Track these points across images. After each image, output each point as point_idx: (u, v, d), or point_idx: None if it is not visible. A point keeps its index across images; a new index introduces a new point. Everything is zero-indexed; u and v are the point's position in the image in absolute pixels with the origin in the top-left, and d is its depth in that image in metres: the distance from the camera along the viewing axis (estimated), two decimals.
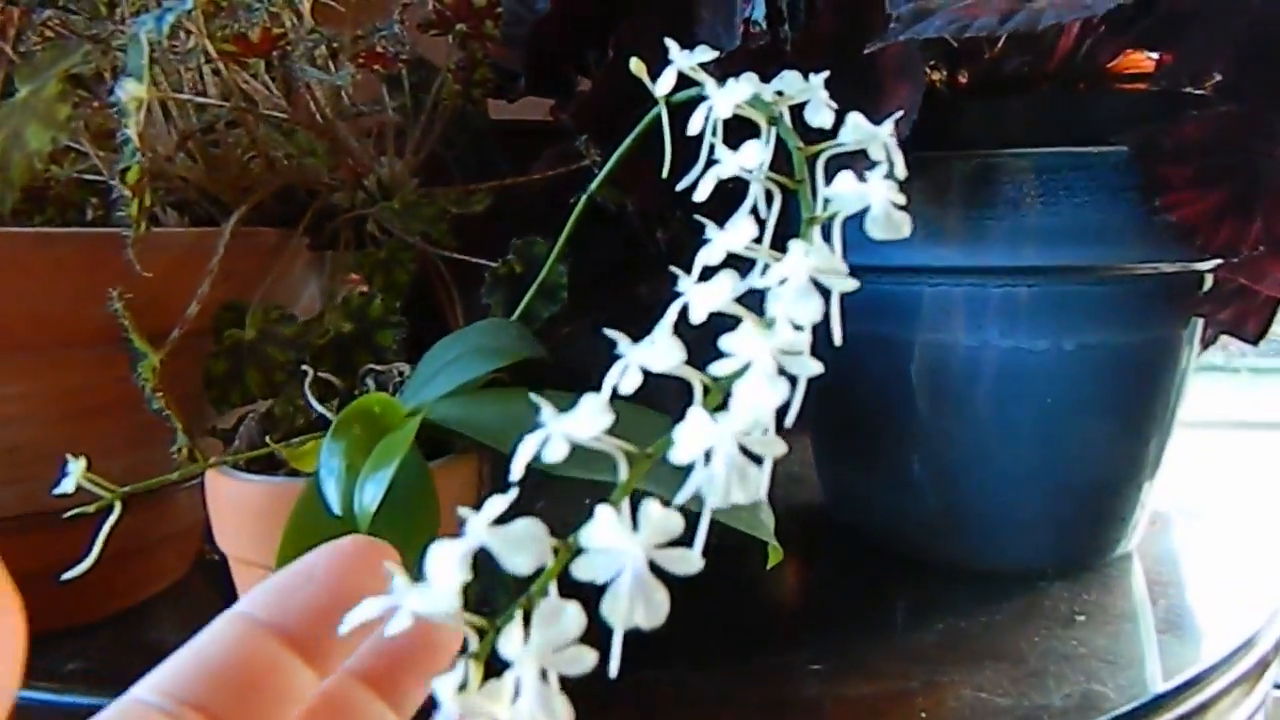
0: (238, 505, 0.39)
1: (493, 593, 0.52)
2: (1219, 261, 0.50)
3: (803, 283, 0.25)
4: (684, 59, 0.33)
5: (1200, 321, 0.56)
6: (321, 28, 0.51)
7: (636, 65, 0.34)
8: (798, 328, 0.25)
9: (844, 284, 0.26)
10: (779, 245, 0.33)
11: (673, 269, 0.29)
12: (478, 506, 0.22)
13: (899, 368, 0.57)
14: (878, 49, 0.47)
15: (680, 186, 0.34)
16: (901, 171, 0.31)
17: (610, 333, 0.27)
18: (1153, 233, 0.50)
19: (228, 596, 0.42)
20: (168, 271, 0.46)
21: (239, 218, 0.47)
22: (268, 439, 0.39)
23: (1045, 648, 0.48)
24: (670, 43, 0.33)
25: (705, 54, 0.33)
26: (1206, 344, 0.59)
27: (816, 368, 0.24)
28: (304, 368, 0.42)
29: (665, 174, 0.35)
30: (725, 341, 0.25)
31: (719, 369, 0.25)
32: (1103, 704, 0.42)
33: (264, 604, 0.22)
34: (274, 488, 0.38)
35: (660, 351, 0.26)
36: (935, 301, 0.55)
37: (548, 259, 0.48)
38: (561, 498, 0.36)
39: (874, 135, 0.30)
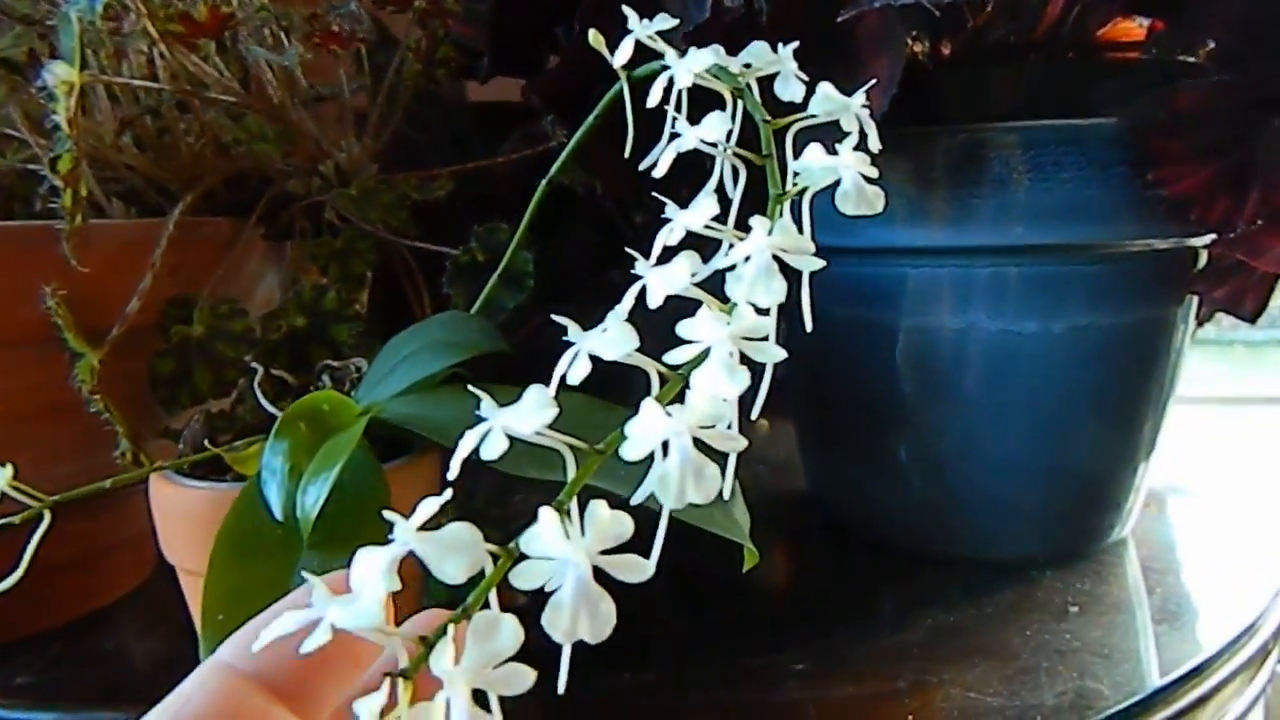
0: (181, 512, 0.37)
1: (464, 597, 0.50)
2: (1214, 237, 0.48)
3: (765, 262, 0.23)
4: (643, 28, 0.30)
5: (1195, 299, 0.54)
6: (272, 5, 0.49)
7: (595, 38, 0.32)
8: (761, 311, 0.23)
9: (811, 263, 0.23)
10: (747, 226, 0.30)
11: (629, 251, 0.27)
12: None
13: (883, 353, 0.55)
14: (853, 16, 0.45)
15: (644, 165, 0.32)
16: (875, 144, 0.29)
17: (559, 319, 0.25)
18: (1146, 209, 0.48)
19: (187, 604, 0.40)
20: (109, 265, 0.44)
21: (184, 207, 0.44)
22: (206, 443, 0.36)
23: (1037, 642, 0.46)
24: (628, 10, 0.31)
25: (665, 21, 0.30)
26: (1201, 321, 0.57)
27: (780, 354, 0.22)
28: (253, 365, 0.39)
29: (629, 153, 0.33)
30: (683, 327, 0.23)
31: (676, 357, 0.23)
32: (1097, 701, 0.40)
33: (245, 653, 0.21)
34: (219, 494, 0.36)
35: (612, 339, 0.24)
36: (919, 284, 0.53)
37: (509, 243, 0.45)
38: (541, 489, 0.34)
39: (845, 106, 0.28)
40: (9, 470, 0.33)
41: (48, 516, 0.33)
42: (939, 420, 0.54)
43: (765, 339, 0.22)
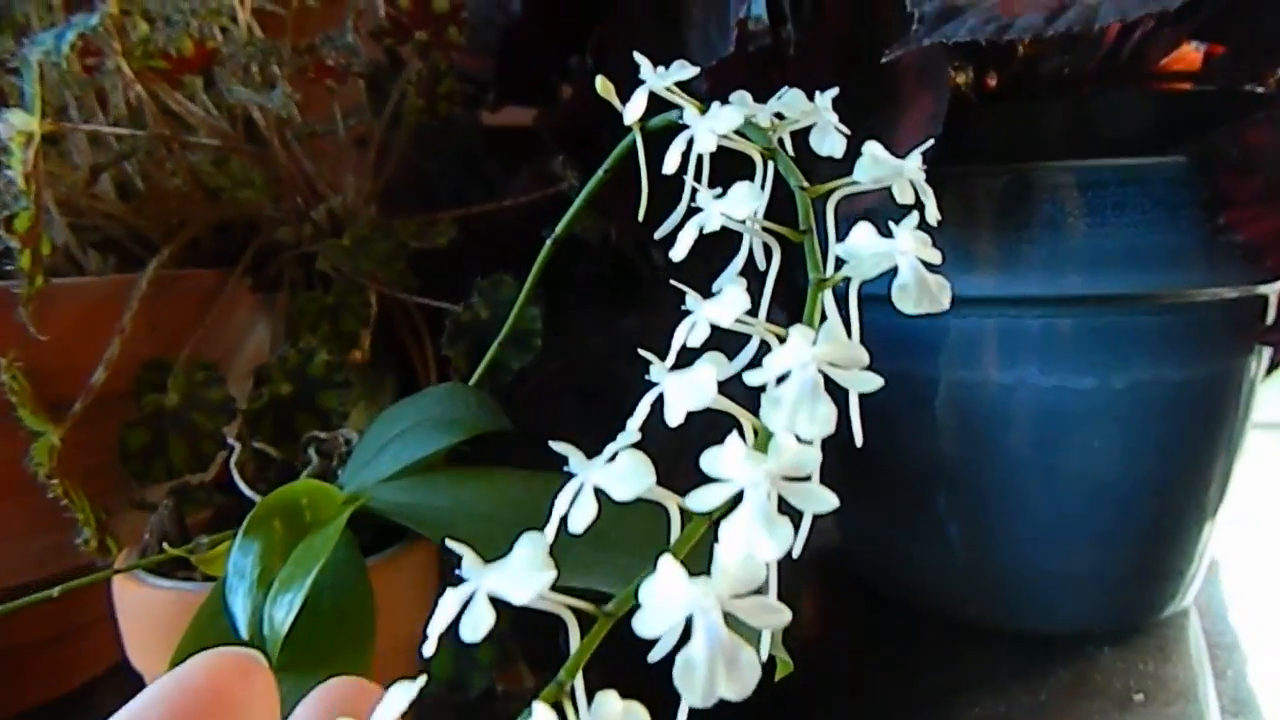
0: (146, 614, 0.33)
1: (468, 675, 0.46)
2: None
3: (809, 384, 0.18)
4: (658, 78, 0.26)
5: (1266, 349, 0.50)
6: (260, 40, 0.45)
7: (603, 86, 0.28)
8: (803, 441, 0.19)
9: (866, 382, 0.19)
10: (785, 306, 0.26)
11: (642, 353, 0.22)
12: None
13: (923, 408, 0.50)
14: (895, 54, 0.40)
15: (659, 234, 0.28)
16: (933, 215, 0.24)
17: (559, 447, 0.21)
18: (1216, 254, 0.44)
19: None
20: (77, 327, 0.40)
21: (162, 260, 0.40)
22: (166, 540, 0.32)
23: None
24: (641, 59, 0.27)
25: (683, 71, 0.26)
26: (1270, 370, 0.53)
27: (832, 502, 0.18)
28: (231, 442, 0.36)
29: (643, 213, 0.29)
30: (708, 462, 0.19)
31: (700, 502, 0.19)
32: None
33: None
34: (186, 596, 0.32)
35: (622, 473, 0.19)
36: (963, 335, 0.49)
37: (515, 299, 0.41)
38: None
39: (897, 170, 0.23)
40: None
41: None
42: (985, 482, 0.50)
43: (809, 478, 0.18)
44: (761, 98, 0.49)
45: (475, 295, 0.42)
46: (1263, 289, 0.47)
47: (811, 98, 0.45)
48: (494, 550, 0.33)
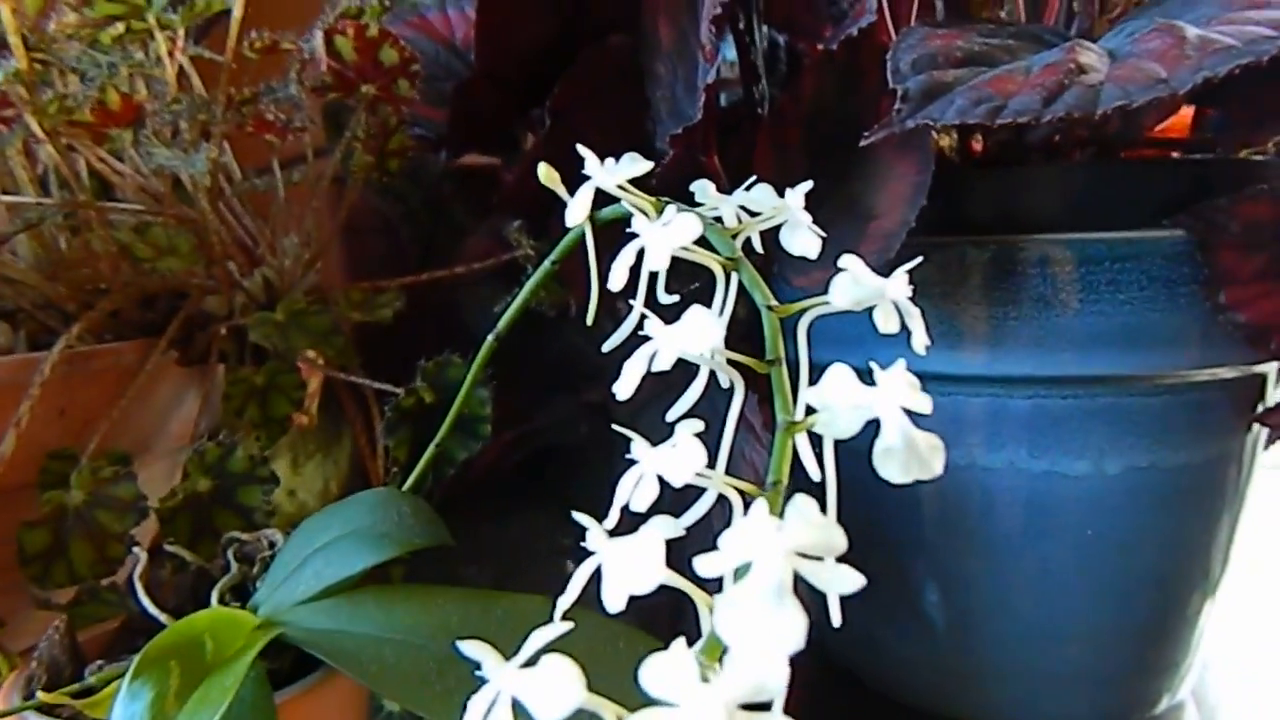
0: None
1: None
2: None
3: (773, 585, 0.15)
4: (605, 175, 0.23)
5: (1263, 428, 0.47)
6: (190, 95, 0.41)
7: (545, 173, 0.24)
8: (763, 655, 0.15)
9: (845, 581, 0.16)
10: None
11: (577, 516, 0.19)
12: None
13: (904, 491, 0.47)
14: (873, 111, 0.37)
15: (606, 346, 0.24)
16: (922, 344, 0.21)
17: (470, 649, 0.17)
18: (1215, 333, 0.41)
19: None
20: None
21: (70, 339, 0.37)
22: (35, 693, 0.28)
23: None
24: (586, 152, 0.23)
25: (634, 166, 0.23)
26: (1269, 444, 0.50)
27: None
28: (135, 551, 0.32)
29: (591, 319, 0.25)
30: (651, 678, 0.15)
31: None
32: None
33: None
34: None
35: (548, 683, 0.16)
36: (948, 414, 0.45)
37: (464, 382, 0.38)
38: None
39: (878, 292, 0.20)
40: None
41: None
42: (972, 573, 0.47)
43: (769, 706, 0.15)
44: (729, 157, 0.46)
45: (419, 378, 0.38)
46: (1260, 368, 0.44)
47: (784, 161, 0.42)
48: (425, 688, 0.29)
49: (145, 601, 0.32)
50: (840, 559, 0.18)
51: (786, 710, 0.15)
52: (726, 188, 0.45)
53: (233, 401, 0.39)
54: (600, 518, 0.19)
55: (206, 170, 0.35)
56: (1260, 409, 0.46)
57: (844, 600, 0.52)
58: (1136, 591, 0.46)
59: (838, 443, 0.20)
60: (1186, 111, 0.50)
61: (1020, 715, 0.48)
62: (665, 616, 0.39)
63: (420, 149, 0.52)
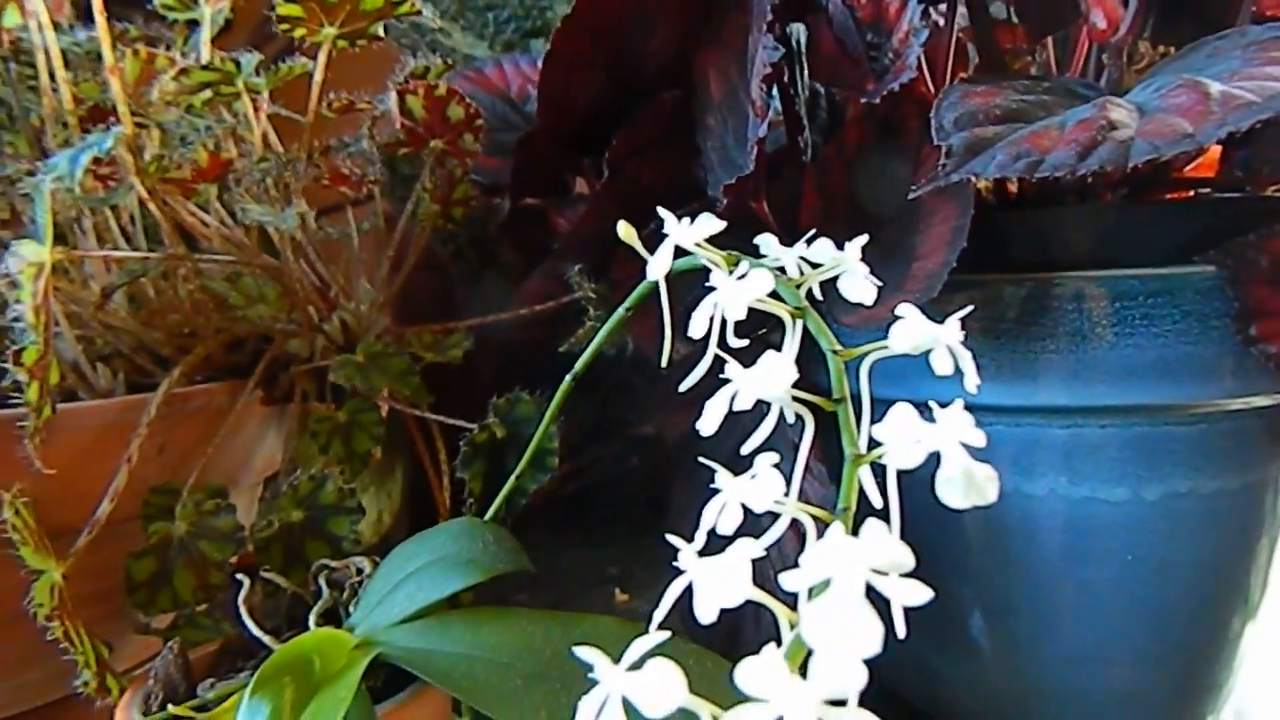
0: None
1: None
2: None
3: (851, 598, 0.17)
4: (683, 232, 0.26)
5: None
6: (276, 154, 0.45)
7: (625, 231, 0.27)
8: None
9: (911, 593, 0.18)
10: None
11: (669, 537, 0.21)
12: None
13: (948, 518, 0.48)
14: (915, 156, 0.40)
15: (683, 387, 0.27)
16: (974, 384, 0.23)
17: (583, 653, 0.20)
18: (1249, 364, 0.42)
19: None
20: (86, 452, 0.39)
21: (174, 381, 0.40)
22: (180, 693, 0.31)
23: None
24: (665, 214, 0.26)
25: (710, 225, 0.25)
26: None
27: None
28: (239, 577, 0.35)
29: (665, 362, 0.28)
30: (745, 678, 0.18)
31: None
32: None
33: None
34: None
35: (653, 684, 0.18)
36: (988, 444, 0.47)
37: (532, 418, 0.40)
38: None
39: (934, 339, 0.22)
40: None
41: None
42: (1016, 596, 0.48)
43: (845, 703, 0.17)
44: (774, 201, 0.48)
45: (491, 415, 0.41)
46: None
47: (830, 206, 0.44)
48: (513, 703, 0.32)
49: (250, 624, 0.34)
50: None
51: None
52: (775, 230, 0.47)
53: (319, 438, 0.42)
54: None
55: (297, 225, 0.38)
56: None
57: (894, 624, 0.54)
58: (1176, 614, 0.47)
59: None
60: (1215, 149, 0.52)
61: None
62: (720, 639, 0.41)
63: (481, 195, 0.55)
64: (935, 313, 0.25)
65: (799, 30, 0.47)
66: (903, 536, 0.21)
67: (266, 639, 0.34)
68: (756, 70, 0.40)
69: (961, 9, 0.45)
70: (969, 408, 0.47)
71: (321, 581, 0.37)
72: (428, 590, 0.33)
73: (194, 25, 0.53)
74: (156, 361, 0.45)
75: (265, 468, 0.49)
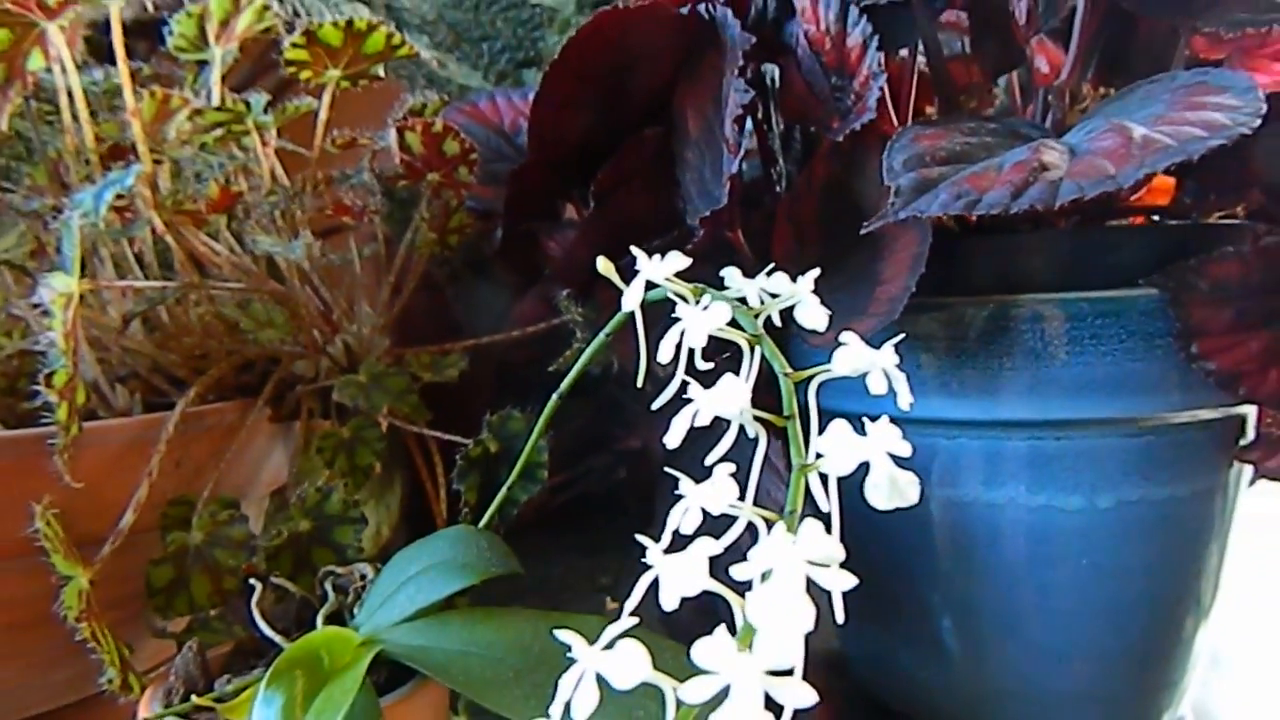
0: None
1: None
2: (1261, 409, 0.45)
3: (791, 584, 0.20)
4: (653, 268, 0.29)
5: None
6: (283, 188, 0.48)
7: (604, 265, 0.30)
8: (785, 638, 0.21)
9: (842, 580, 0.21)
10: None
11: (639, 537, 0.24)
12: None
13: (916, 525, 0.52)
14: (874, 226, 0.43)
15: (655, 406, 0.30)
16: (906, 401, 0.26)
17: (563, 636, 0.23)
18: (1192, 380, 0.46)
19: None
20: (109, 467, 0.42)
21: (190, 400, 0.43)
22: (198, 691, 0.34)
23: None
24: (638, 252, 0.29)
25: (678, 262, 0.29)
26: (1254, 481, 0.54)
27: (809, 698, 0.20)
28: (251, 581, 0.37)
29: (640, 383, 0.31)
30: (700, 654, 0.21)
31: (692, 694, 0.21)
32: None
33: None
34: None
35: (620, 662, 0.21)
36: (952, 456, 0.50)
37: (523, 433, 0.44)
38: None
39: (871, 363, 0.26)
40: None
41: None
42: (979, 598, 0.51)
43: (791, 672, 0.20)
44: (750, 228, 0.51)
45: (485, 430, 0.44)
46: (1240, 409, 0.49)
47: (801, 235, 0.48)
48: (505, 692, 0.35)
49: (263, 625, 0.37)
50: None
51: None
52: (749, 257, 0.50)
53: (324, 453, 0.45)
54: (636, 557, 0.24)
55: (306, 256, 0.41)
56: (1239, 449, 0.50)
57: (869, 629, 0.57)
58: (1132, 615, 0.50)
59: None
60: (1170, 180, 0.55)
61: None
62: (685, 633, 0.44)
63: (475, 223, 0.58)
64: (900, 333, 0.29)
65: (772, 70, 0.51)
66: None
67: (278, 638, 0.37)
68: (730, 110, 0.43)
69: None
70: (934, 422, 0.51)
71: (328, 586, 0.40)
72: (427, 592, 0.36)
73: (203, 65, 0.57)
74: (171, 382, 0.48)
75: (272, 482, 0.52)
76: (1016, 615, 0.51)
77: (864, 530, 0.53)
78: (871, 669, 0.59)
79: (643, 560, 0.23)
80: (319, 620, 0.38)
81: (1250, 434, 0.50)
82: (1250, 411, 0.49)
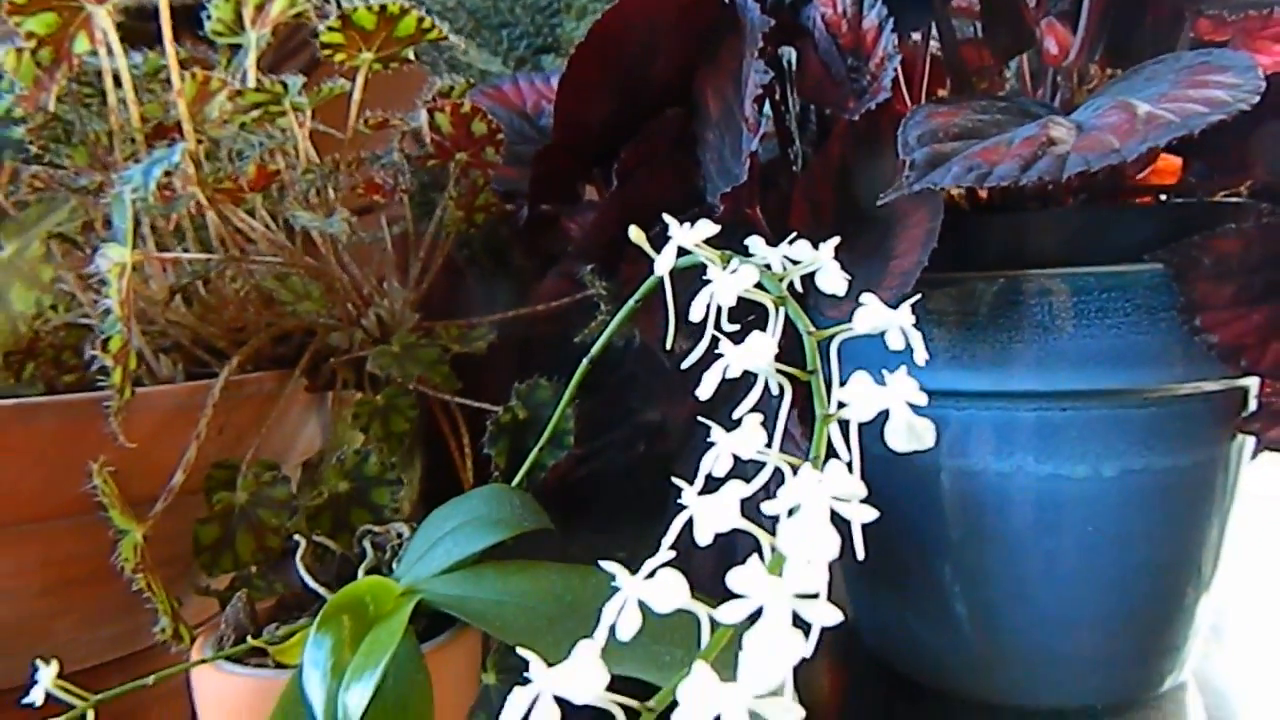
0: (222, 701, 0.36)
1: None
2: (1263, 381, 0.47)
3: (817, 515, 0.22)
4: (684, 235, 0.31)
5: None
6: (319, 165, 0.50)
7: (636, 235, 0.32)
8: (811, 564, 0.22)
9: (862, 514, 0.23)
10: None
11: (674, 480, 0.26)
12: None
13: (926, 493, 0.53)
14: (889, 198, 0.45)
15: (685, 365, 0.32)
16: (922, 357, 0.28)
17: (607, 565, 0.25)
18: (1195, 353, 0.47)
19: None
20: (157, 431, 0.44)
21: (231, 370, 0.45)
22: (249, 628, 0.36)
23: None
24: (670, 219, 0.31)
25: (705, 229, 0.30)
26: (1255, 456, 0.56)
27: (835, 616, 0.22)
28: (296, 538, 0.39)
29: (670, 344, 0.33)
30: (734, 580, 0.23)
31: (728, 615, 0.23)
32: None
33: None
34: (262, 683, 0.35)
35: (662, 588, 0.23)
36: (963, 426, 0.52)
37: (551, 402, 0.45)
38: None
39: (890, 322, 0.27)
40: (53, 668, 0.33)
41: (90, 716, 0.33)
42: (988, 565, 0.53)
43: (816, 596, 0.22)
44: (767, 207, 0.53)
45: (514, 398, 0.46)
46: (1242, 381, 0.51)
47: (817, 212, 0.49)
48: (538, 639, 0.37)
49: (307, 578, 0.39)
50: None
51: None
52: (767, 233, 0.52)
53: (360, 419, 0.47)
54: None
55: (342, 229, 0.43)
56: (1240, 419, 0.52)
57: (880, 598, 0.59)
58: (1135, 582, 0.52)
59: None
60: (1177, 160, 0.57)
61: (1037, 695, 0.54)
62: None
63: (500, 202, 0.60)
64: (914, 307, 0.30)
65: (789, 53, 0.52)
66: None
67: (321, 590, 0.39)
68: (749, 91, 0.45)
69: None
70: (946, 393, 0.52)
71: (366, 544, 0.42)
72: (463, 545, 0.38)
73: (235, 48, 0.59)
74: (210, 352, 0.50)
75: (305, 451, 0.54)
76: (1024, 582, 0.52)
77: (876, 501, 0.55)
78: (883, 638, 0.61)
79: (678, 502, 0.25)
80: (360, 573, 0.40)
81: (1252, 405, 0.52)
82: (1252, 383, 0.51)
